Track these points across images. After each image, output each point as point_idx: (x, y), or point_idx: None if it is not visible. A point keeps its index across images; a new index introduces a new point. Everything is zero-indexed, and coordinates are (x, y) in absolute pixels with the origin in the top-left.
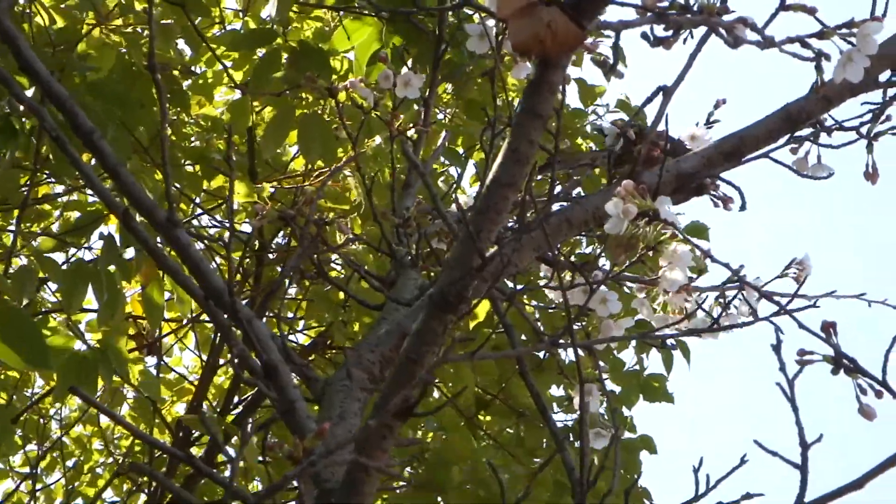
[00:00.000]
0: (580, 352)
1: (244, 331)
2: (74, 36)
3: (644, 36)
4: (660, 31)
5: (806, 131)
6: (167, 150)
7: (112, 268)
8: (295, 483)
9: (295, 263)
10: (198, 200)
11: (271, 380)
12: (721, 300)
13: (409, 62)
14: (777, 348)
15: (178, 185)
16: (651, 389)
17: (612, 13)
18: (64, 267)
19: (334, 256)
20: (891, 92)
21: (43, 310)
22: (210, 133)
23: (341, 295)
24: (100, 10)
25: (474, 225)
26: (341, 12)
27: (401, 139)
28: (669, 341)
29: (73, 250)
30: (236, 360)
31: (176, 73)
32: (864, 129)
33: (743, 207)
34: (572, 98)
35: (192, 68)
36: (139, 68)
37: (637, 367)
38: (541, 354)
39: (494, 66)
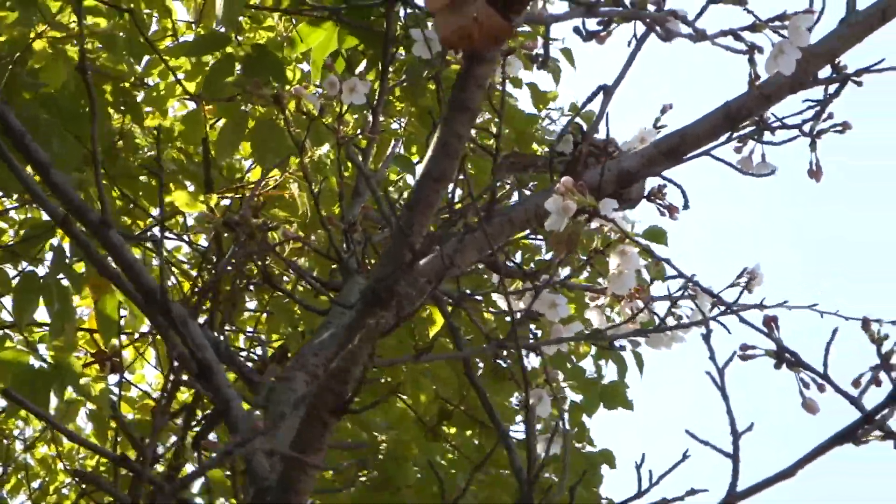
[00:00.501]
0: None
1: (178, 331)
2: (21, 49)
3: (576, 30)
4: (592, 24)
5: (749, 129)
6: (98, 150)
7: (63, 281)
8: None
9: (234, 267)
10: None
11: (206, 380)
12: (673, 308)
13: (364, 64)
14: (707, 338)
15: (128, 196)
16: (610, 397)
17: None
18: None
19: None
20: (831, 89)
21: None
22: (164, 144)
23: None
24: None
25: (405, 220)
26: (295, 16)
27: (347, 146)
28: (619, 343)
29: (24, 264)
30: (175, 362)
31: (128, 84)
32: (806, 127)
33: (686, 206)
34: (525, 103)
35: (145, 80)
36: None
37: (596, 375)
38: (502, 363)
39: (439, 69)
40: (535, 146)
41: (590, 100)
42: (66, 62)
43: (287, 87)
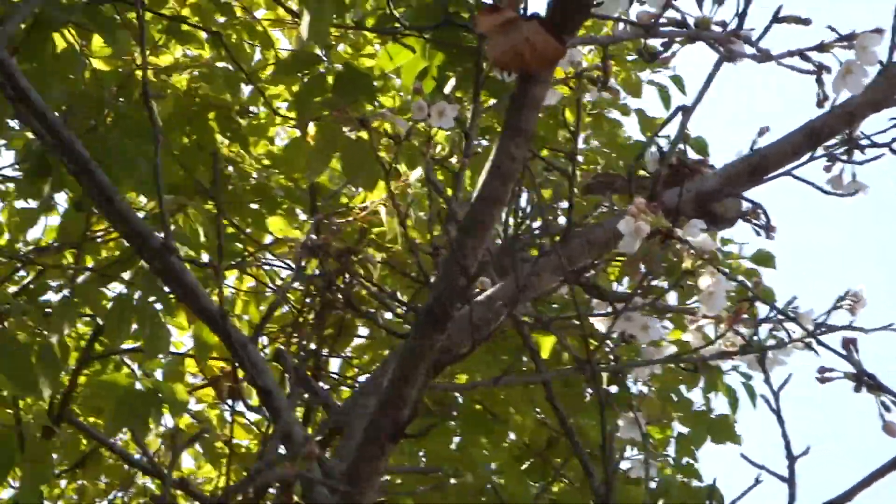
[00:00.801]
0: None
1: (238, 356)
2: (128, 81)
3: (639, 52)
4: (655, 44)
5: (838, 148)
6: (160, 173)
7: (157, 304)
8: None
9: (318, 292)
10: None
11: (266, 405)
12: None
13: (452, 82)
14: (762, 360)
15: (237, 224)
16: (718, 430)
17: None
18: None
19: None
20: None
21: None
22: (270, 170)
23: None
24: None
25: (458, 242)
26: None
27: (429, 168)
28: (716, 364)
29: (116, 286)
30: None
31: (232, 112)
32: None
33: (768, 227)
34: (632, 129)
35: (249, 108)
36: (197, 109)
37: (704, 407)
38: (612, 389)
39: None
40: (642, 172)
41: (669, 120)
42: (173, 92)
43: (372, 108)
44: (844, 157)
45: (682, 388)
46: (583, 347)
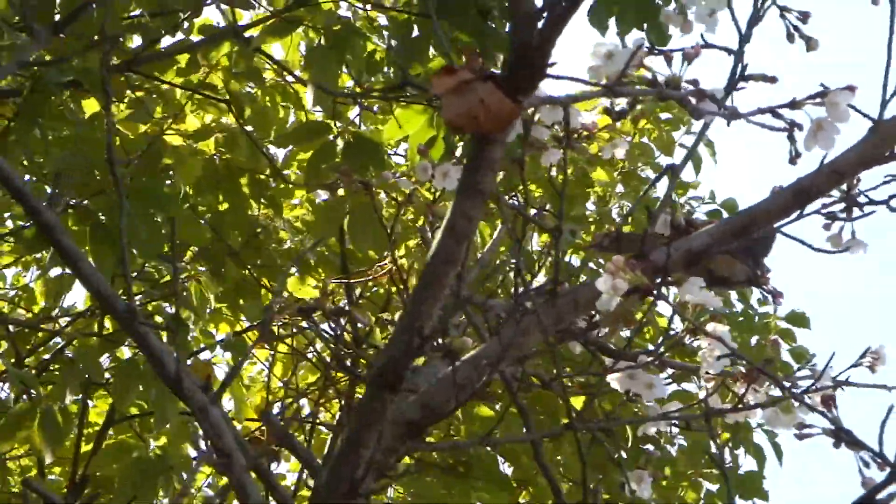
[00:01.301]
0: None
1: (197, 418)
2: (153, 147)
3: (606, 111)
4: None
5: (836, 206)
6: (125, 241)
7: None
8: None
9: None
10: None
11: (225, 467)
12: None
13: (461, 147)
14: (707, 417)
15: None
16: (746, 487)
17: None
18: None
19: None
20: None
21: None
22: (303, 234)
23: None
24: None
25: (413, 302)
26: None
27: (421, 229)
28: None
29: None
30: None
31: (263, 176)
32: (894, 203)
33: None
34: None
35: (283, 171)
36: (227, 173)
37: (731, 464)
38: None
39: (523, 152)
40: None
41: (658, 180)
42: (198, 157)
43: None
44: (843, 215)
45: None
46: (567, 405)
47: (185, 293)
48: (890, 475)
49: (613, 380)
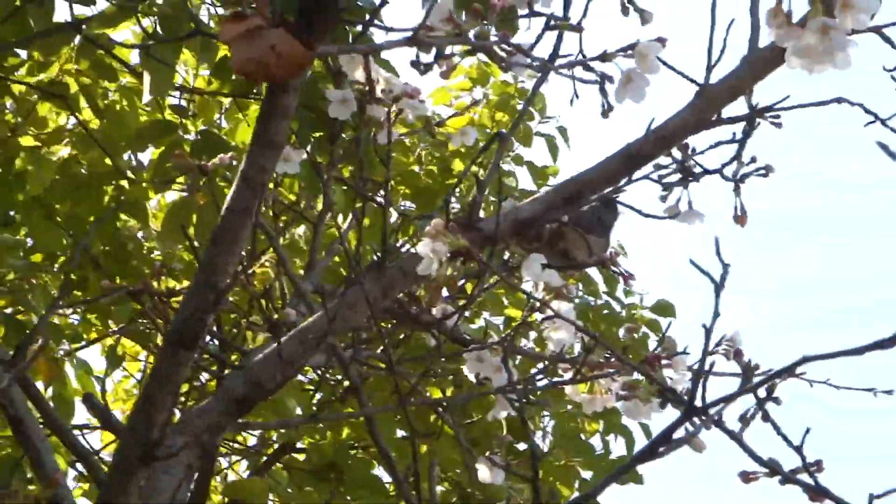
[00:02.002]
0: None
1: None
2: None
3: (413, 64)
4: (428, 57)
5: (673, 177)
6: None
7: None
8: None
9: None
10: None
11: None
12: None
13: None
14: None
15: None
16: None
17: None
18: None
19: None
20: (731, 127)
21: None
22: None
23: None
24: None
25: (208, 257)
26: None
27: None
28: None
29: None
30: None
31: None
32: (728, 172)
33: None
34: (525, 180)
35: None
36: (85, 177)
37: (603, 450)
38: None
39: (360, 129)
40: None
41: (486, 148)
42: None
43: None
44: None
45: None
46: (396, 381)
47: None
48: (684, 413)
49: (465, 366)
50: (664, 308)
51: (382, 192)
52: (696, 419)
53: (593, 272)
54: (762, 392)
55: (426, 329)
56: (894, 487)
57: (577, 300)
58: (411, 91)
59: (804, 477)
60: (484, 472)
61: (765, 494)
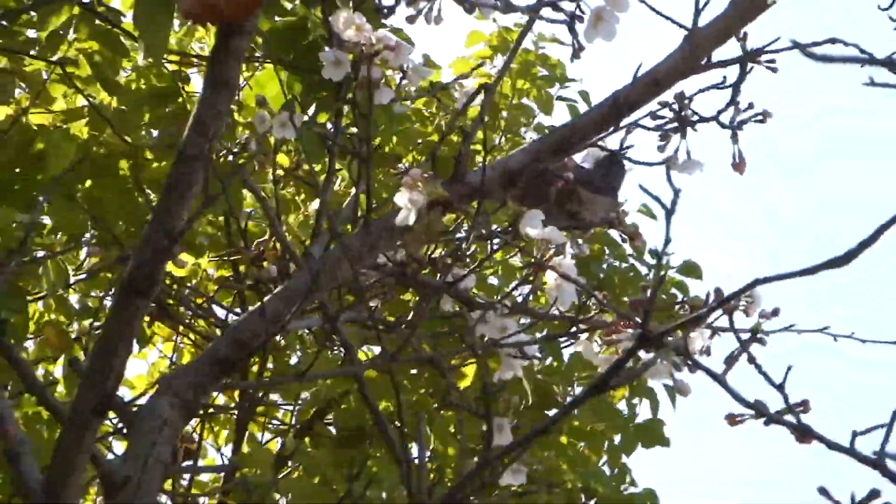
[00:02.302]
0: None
1: None
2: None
3: (376, 10)
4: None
5: (669, 126)
6: None
7: None
8: None
9: None
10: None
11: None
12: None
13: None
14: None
15: None
16: (647, 435)
17: None
18: None
19: None
20: (723, 71)
21: None
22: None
23: None
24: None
25: (162, 203)
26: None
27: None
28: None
29: None
30: None
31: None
32: (725, 118)
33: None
34: None
35: None
36: (102, 156)
37: (627, 413)
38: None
39: (353, 93)
40: None
41: (471, 100)
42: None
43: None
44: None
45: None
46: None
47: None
48: (636, 343)
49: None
50: (691, 269)
51: (365, 148)
52: (651, 349)
53: (616, 234)
54: (745, 334)
55: (437, 292)
56: (878, 424)
57: (595, 262)
58: (392, 45)
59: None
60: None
61: (751, 437)
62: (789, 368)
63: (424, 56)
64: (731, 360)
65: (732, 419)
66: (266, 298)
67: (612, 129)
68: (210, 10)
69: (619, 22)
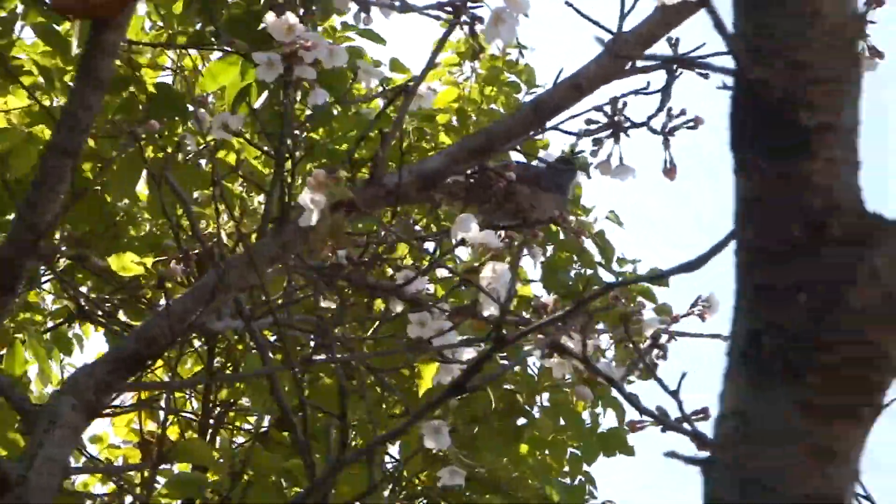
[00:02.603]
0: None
1: None
2: None
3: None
4: None
5: (603, 132)
6: None
7: None
8: None
9: None
10: None
11: None
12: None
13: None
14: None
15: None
16: (609, 443)
17: None
18: None
19: None
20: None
21: None
22: None
23: None
24: None
25: (31, 198)
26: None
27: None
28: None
29: None
30: None
31: None
32: (656, 124)
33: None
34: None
35: None
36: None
37: (591, 423)
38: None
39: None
40: None
41: (391, 102)
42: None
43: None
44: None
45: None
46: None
47: None
48: (492, 346)
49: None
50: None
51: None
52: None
53: (588, 244)
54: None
55: (386, 295)
56: None
57: (563, 271)
58: (308, 45)
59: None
60: (431, 439)
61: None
62: (684, 375)
63: (392, 60)
64: (630, 367)
65: (633, 426)
66: (175, 297)
67: (532, 133)
68: (83, 4)
69: (518, 24)
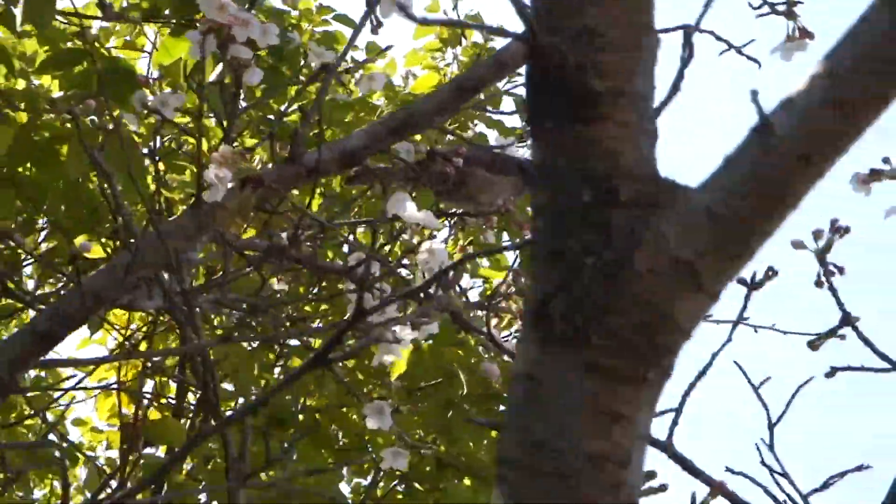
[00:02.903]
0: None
1: None
2: None
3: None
4: None
5: None
6: None
7: None
8: None
9: None
10: None
11: None
12: None
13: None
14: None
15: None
16: None
17: None
18: None
19: None
20: None
21: None
22: None
23: None
24: None
25: None
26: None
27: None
28: None
29: None
30: None
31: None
32: None
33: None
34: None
35: None
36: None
37: None
38: None
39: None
40: None
41: (313, 79)
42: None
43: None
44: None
45: None
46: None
47: None
48: (353, 316)
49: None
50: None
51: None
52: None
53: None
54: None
55: (338, 275)
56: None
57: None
58: (237, 21)
59: None
60: (373, 419)
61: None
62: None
63: (369, 44)
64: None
65: None
66: (91, 273)
67: (453, 112)
68: None
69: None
